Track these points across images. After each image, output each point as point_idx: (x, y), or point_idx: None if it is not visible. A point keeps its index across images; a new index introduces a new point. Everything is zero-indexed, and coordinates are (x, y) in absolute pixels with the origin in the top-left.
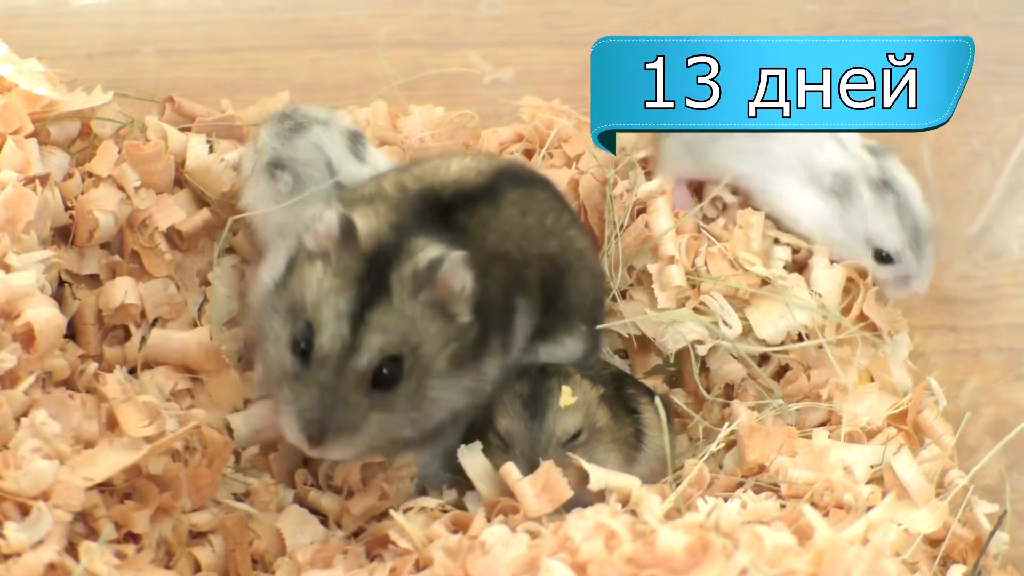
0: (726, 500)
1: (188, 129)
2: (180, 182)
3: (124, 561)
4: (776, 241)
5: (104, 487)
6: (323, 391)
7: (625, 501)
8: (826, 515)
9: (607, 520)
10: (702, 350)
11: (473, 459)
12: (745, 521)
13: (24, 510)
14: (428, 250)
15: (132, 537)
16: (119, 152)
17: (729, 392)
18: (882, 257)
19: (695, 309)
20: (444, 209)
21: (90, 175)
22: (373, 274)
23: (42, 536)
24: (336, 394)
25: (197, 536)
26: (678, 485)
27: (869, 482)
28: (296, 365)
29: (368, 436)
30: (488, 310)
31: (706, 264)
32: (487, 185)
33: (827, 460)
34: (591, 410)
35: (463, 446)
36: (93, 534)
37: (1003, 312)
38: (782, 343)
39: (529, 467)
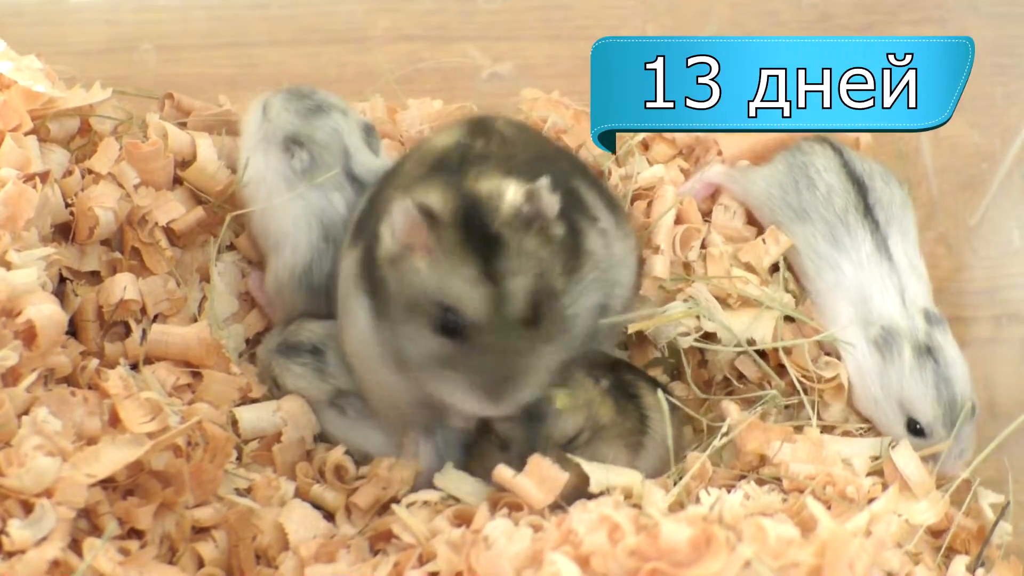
0: (728, 491)
1: (184, 124)
2: (179, 179)
3: (127, 557)
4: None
5: (107, 483)
6: (489, 353)
7: (628, 495)
8: (828, 507)
9: (611, 513)
10: (685, 342)
11: (450, 479)
12: (748, 513)
13: (27, 507)
14: (513, 188)
15: (135, 533)
16: (120, 149)
17: (729, 384)
18: (914, 428)
19: (685, 302)
20: (466, 160)
21: (90, 172)
22: (473, 236)
23: (45, 533)
24: (498, 349)
25: (200, 532)
26: (681, 478)
27: (869, 474)
28: (448, 346)
29: (539, 375)
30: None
31: (703, 260)
32: (474, 128)
33: (826, 453)
34: (593, 410)
35: (437, 473)
36: (96, 531)
37: (1004, 302)
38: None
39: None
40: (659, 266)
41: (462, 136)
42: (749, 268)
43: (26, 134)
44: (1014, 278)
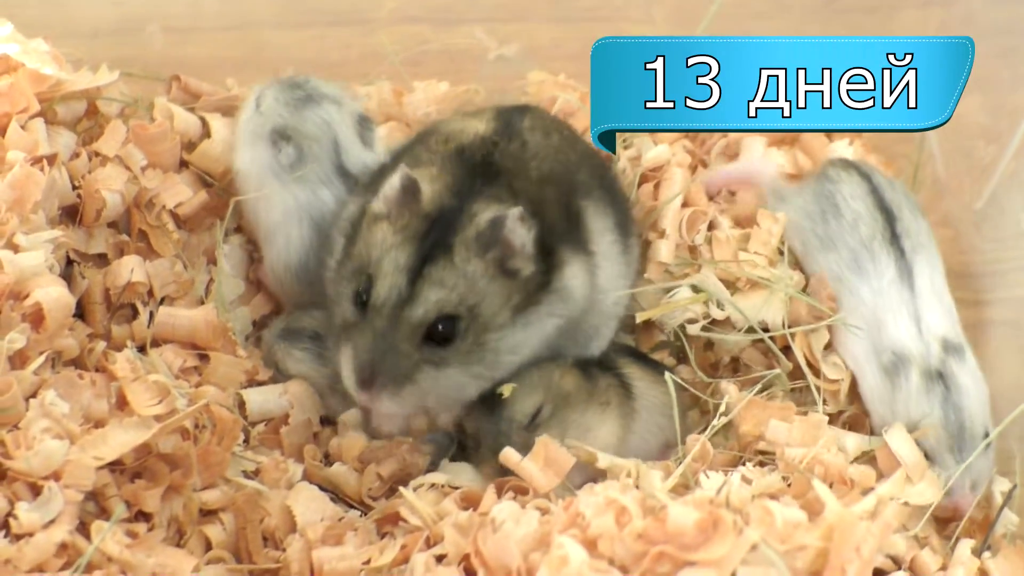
0: (725, 474)
1: (192, 108)
2: (184, 163)
3: (135, 540)
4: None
5: (114, 466)
6: (376, 337)
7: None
8: (830, 486)
9: (618, 496)
10: (693, 329)
11: (461, 472)
12: (754, 496)
13: (35, 490)
14: (488, 211)
15: (143, 516)
16: (127, 132)
17: (735, 366)
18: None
19: (693, 287)
20: (481, 162)
21: (97, 154)
22: (434, 234)
23: (53, 516)
24: (388, 341)
25: (208, 514)
26: (681, 461)
27: (856, 460)
28: (355, 315)
29: (420, 390)
30: (553, 226)
31: (710, 244)
32: (501, 128)
33: (823, 436)
34: (552, 383)
35: (451, 464)
36: (104, 513)
37: (1009, 285)
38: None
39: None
40: (664, 250)
41: (490, 132)
42: (757, 252)
43: (33, 117)
44: (1019, 261)
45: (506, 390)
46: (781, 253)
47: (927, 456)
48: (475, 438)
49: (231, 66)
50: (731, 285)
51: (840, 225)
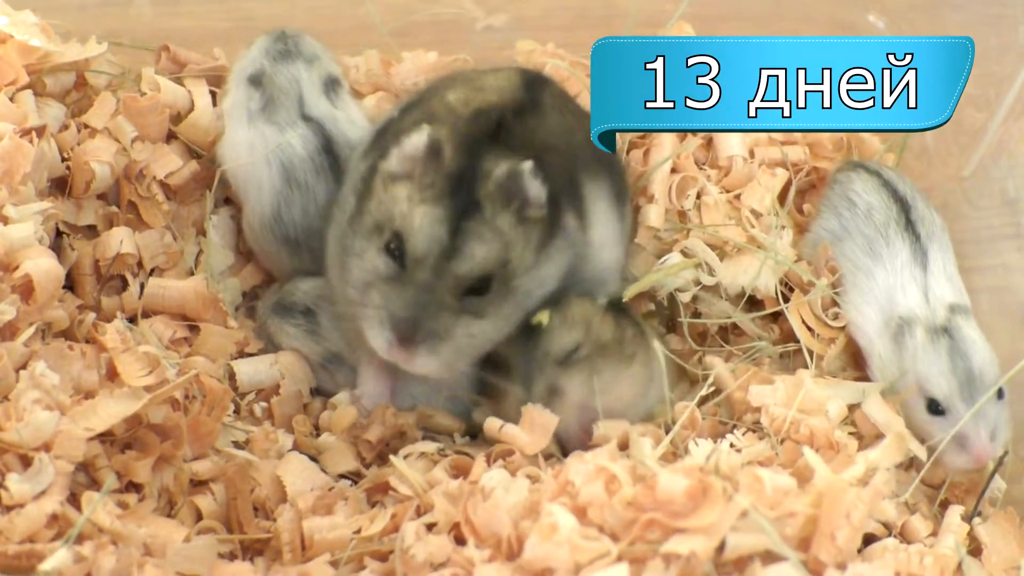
0: (714, 442)
1: (180, 78)
2: (172, 134)
3: (126, 511)
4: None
5: (105, 437)
6: (419, 291)
7: (624, 445)
8: (816, 450)
9: (607, 464)
10: (685, 297)
11: (485, 418)
12: (744, 463)
13: (26, 461)
14: (503, 165)
15: (134, 487)
16: (117, 104)
17: (725, 335)
18: (935, 408)
19: (682, 252)
20: (496, 128)
21: (86, 126)
22: (462, 191)
23: (44, 487)
24: (432, 295)
25: (198, 485)
26: (669, 430)
27: (847, 418)
28: (390, 267)
29: (457, 345)
30: (555, 193)
31: (699, 210)
32: (525, 100)
33: (807, 397)
34: (592, 326)
35: (477, 411)
36: (95, 484)
37: (998, 252)
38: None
39: (526, 389)
40: (653, 215)
41: (512, 98)
42: (752, 212)
43: (22, 89)
44: (1007, 228)
45: (543, 317)
46: (776, 215)
47: (938, 408)
48: (507, 367)
49: (219, 38)
50: (720, 250)
51: (854, 215)
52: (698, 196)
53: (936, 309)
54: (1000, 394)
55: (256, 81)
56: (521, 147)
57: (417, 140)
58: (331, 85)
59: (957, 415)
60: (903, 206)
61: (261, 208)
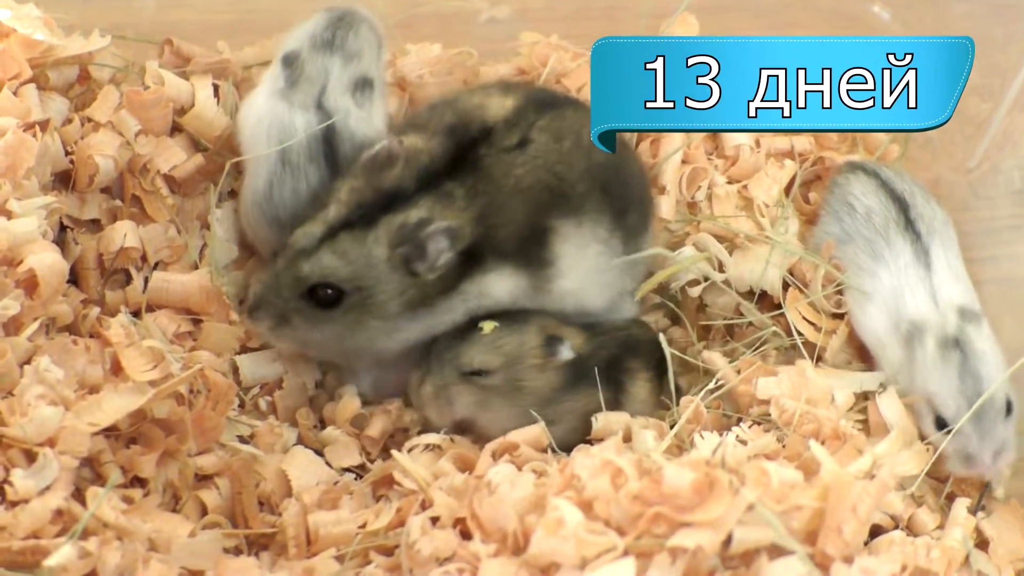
0: (720, 435)
1: (184, 72)
2: (176, 128)
3: (131, 506)
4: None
5: (110, 432)
6: (271, 274)
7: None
8: (822, 443)
9: (613, 457)
10: (695, 291)
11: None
12: (750, 456)
13: (30, 457)
14: (423, 210)
15: (138, 482)
16: (120, 97)
17: (730, 329)
18: (942, 425)
19: (694, 246)
20: (470, 145)
21: (89, 120)
22: (374, 209)
23: (49, 482)
24: (276, 280)
25: (203, 479)
26: (674, 424)
27: (853, 407)
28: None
29: (296, 335)
30: (495, 236)
31: (709, 201)
32: (511, 118)
33: (812, 388)
34: (519, 366)
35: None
36: (100, 479)
37: (1005, 243)
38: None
39: (427, 384)
40: (665, 206)
41: (498, 119)
42: (759, 204)
43: (25, 83)
44: (1014, 219)
45: (488, 326)
46: (783, 206)
47: (946, 425)
48: (428, 348)
49: (223, 30)
50: (729, 242)
51: (854, 219)
52: (708, 187)
53: (946, 314)
54: (1008, 410)
55: (289, 62)
56: (485, 180)
57: (377, 147)
58: (361, 85)
59: (965, 436)
60: (901, 205)
61: (255, 182)
